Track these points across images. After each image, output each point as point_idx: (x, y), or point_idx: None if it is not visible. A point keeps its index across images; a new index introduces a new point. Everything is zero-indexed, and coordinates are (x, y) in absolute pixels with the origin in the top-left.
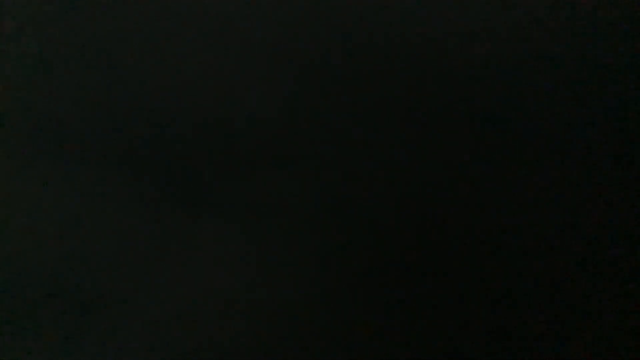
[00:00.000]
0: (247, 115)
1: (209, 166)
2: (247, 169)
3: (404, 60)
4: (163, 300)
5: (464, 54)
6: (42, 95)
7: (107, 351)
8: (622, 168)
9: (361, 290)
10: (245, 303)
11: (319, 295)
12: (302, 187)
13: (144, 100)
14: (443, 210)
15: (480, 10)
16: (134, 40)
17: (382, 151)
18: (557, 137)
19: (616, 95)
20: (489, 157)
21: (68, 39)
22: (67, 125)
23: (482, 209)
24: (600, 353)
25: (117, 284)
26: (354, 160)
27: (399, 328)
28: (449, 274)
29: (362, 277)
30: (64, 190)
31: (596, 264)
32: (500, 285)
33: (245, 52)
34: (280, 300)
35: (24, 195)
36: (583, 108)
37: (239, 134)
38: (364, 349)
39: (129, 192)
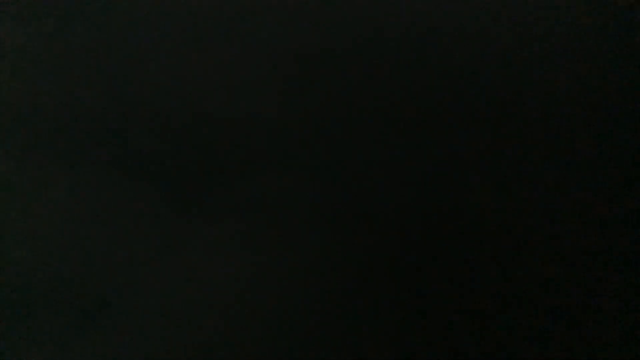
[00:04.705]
0: (246, 116)
1: (207, 167)
2: (246, 170)
3: (403, 59)
4: (162, 300)
5: (462, 54)
6: (42, 95)
7: (106, 351)
8: (622, 168)
9: (360, 290)
10: (245, 303)
11: (318, 295)
12: (301, 188)
13: (143, 101)
14: (443, 209)
15: (479, 9)
16: (133, 42)
17: (381, 151)
18: (558, 137)
19: (616, 95)
20: (489, 157)
21: (68, 39)
22: (67, 125)
23: (482, 208)
24: (600, 353)
25: (117, 285)
26: (353, 160)
27: (398, 327)
28: (449, 274)
29: (360, 277)
30: (63, 190)
31: (596, 264)
32: (501, 285)
33: (244, 53)
34: (279, 300)
35: (24, 195)
36: (583, 107)
37: (238, 134)
38: (363, 348)
39: (128, 194)
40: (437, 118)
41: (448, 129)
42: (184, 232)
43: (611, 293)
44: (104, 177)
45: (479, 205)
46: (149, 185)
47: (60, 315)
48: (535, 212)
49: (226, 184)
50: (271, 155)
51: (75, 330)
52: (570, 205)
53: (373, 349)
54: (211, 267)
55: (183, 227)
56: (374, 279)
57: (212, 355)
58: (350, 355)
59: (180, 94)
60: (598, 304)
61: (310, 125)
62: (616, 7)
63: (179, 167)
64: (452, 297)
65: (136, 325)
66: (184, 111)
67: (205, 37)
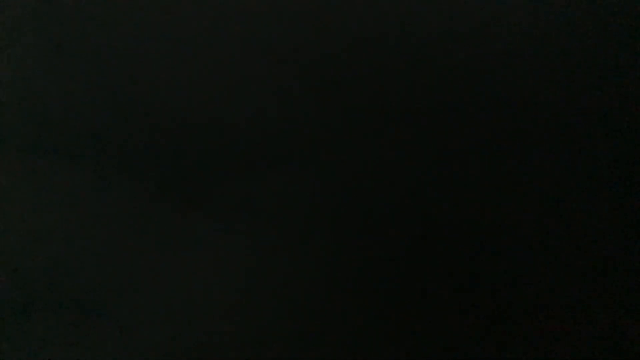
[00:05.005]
0: (245, 115)
1: (207, 167)
2: (245, 170)
3: (402, 60)
4: (161, 300)
5: (461, 55)
6: (42, 95)
7: (106, 351)
8: (622, 168)
9: (359, 290)
10: (244, 302)
11: (316, 294)
12: (300, 187)
13: (142, 100)
14: (442, 209)
15: (479, 9)
16: (133, 42)
17: (380, 151)
18: (558, 136)
19: (616, 95)
20: (489, 156)
21: (68, 39)
22: (67, 125)
23: (481, 208)
24: (600, 353)
25: (116, 284)
26: (352, 161)
27: (396, 327)
28: (448, 274)
29: (361, 276)
30: (62, 190)
31: (596, 264)
32: (500, 286)
33: (244, 53)
34: (278, 299)
35: (24, 195)
36: (583, 107)
37: (237, 134)
38: (361, 348)
39: (128, 193)
40: (438, 118)
41: (448, 130)
42: (184, 231)
43: (611, 293)
44: (103, 177)
45: (479, 206)
46: (149, 185)
47: (60, 314)
48: (535, 212)
49: (226, 183)
50: (271, 155)
51: (75, 329)
52: (570, 205)
53: (373, 349)
54: (211, 267)
55: (183, 226)
56: (374, 278)
57: (211, 354)
58: (350, 355)
59: (180, 94)
60: (598, 305)
61: (310, 125)
62: (616, 7)
63: (179, 167)
64: (452, 297)
65: (136, 324)
66: (184, 111)
67: (205, 37)
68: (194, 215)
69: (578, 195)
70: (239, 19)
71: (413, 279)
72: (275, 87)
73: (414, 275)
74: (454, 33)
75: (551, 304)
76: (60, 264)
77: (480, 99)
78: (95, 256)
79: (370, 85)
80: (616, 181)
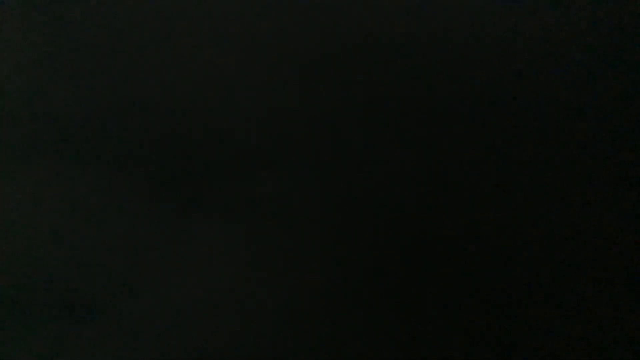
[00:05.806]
0: (245, 116)
1: (206, 167)
2: (244, 170)
3: (402, 61)
4: (161, 300)
5: (464, 55)
6: (42, 95)
7: (106, 351)
8: (622, 168)
9: (359, 290)
10: (243, 303)
11: (316, 295)
12: (301, 188)
13: (142, 101)
14: (444, 210)
15: (480, 10)
16: (133, 42)
17: (379, 152)
18: (558, 137)
19: (616, 95)
20: (489, 157)
21: (68, 39)
22: (67, 125)
23: (481, 209)
24: (600, 353)
25: (116, 284)
26: (353, 161)
27: (397, 328)
28: (448, 274)
29: (360, 277)
30: (62, 190)
31: (596, 264)
32: (500, 286)
33: (244, 53)
34: (277, 300)
35: (24, 195)
36: (584, 107)
37: (236, 135)
38: (361, 349)
39: (127, 194)
40: (439, 120)
41: (449, 131)
42: (183, 231)
43: (611, 293)
44: (102, 177)
45: (480, 206)
46: (148, 185)
47: (59, 314)
48: (535, 213)
49: (225, 184)
50: (271, 155)
51: (74, 330)
52: (571, 205)
53: (373, 349)
54: (210, 267)
55: (181, 227)
56: (374, 279)
57: (211, 354)
58: (350, 355)
59: (179, 95)
60: (598, 304)
61: (310, 125)
62: (616, 8)
63: (179, 167)
64: (452, 297)
65: (136, 324)
66: (184, 111)
67: (205, 37)
68: (193, 216)
69: (578, 195)
70: (241, 20)
71: (412, 279)
72: (275, 88)
73: (413, 275)
74: (453, 33)
75: (551, 304)
76: (59, 264)
77: (480, 99)
78: (95, 256)
79: (369, 86)
80: (616, 181)
